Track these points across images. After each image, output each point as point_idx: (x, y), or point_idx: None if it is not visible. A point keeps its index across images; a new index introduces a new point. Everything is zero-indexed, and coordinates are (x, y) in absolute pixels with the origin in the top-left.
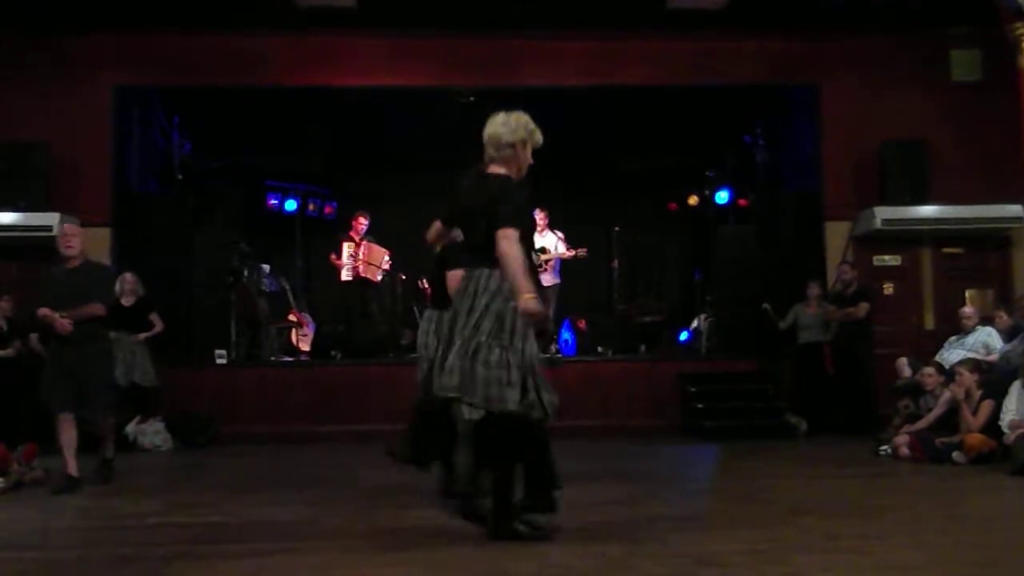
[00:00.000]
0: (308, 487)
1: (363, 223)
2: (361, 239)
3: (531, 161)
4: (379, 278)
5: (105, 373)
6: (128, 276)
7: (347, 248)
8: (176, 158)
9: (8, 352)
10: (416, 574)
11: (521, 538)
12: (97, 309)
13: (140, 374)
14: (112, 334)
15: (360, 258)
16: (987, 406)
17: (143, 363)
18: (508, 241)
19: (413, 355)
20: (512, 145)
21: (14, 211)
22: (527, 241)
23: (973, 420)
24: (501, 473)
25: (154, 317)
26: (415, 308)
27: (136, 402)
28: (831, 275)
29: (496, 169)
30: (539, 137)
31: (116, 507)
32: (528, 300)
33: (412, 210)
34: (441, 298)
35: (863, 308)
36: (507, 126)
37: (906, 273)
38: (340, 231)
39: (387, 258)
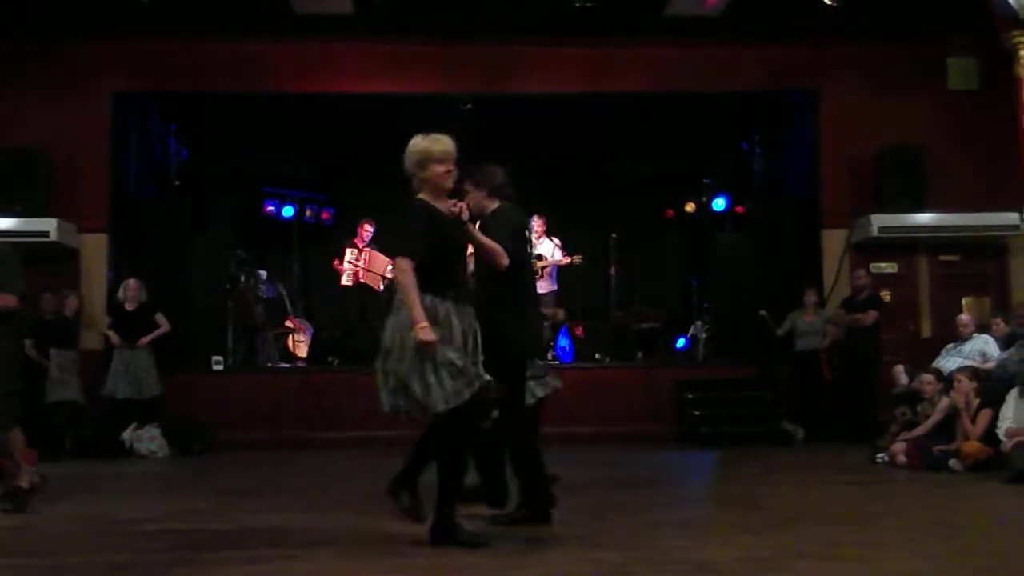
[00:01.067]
0: (305, 493)
1: (368, 230)
2: (365, 245)
3: (442, 172)
4: (381, 287)
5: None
6: (132, 282)
7: (349, 253)
8: (173, 164)
9: None
10: None
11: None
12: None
13: (147, 387)
14: (116, 343)
15: (361, 264)
16: (985, 415)
17: (149, 373)
18: (397, 270)
19: None
20: (412, 174)
21: (11, 216)
22: (450, 259)
23: (971, 429)
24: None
25: (159, 318)
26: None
27: (136, 411)
28: (828, 282)
29: (417, 197)
30: (439, 147)
31: (114, 513)
32: (419, 331)
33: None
34: None
35: (871, 316)
36: (406, 157)
37: (903, 281)
38: (340, 238)
39: (390, 267)
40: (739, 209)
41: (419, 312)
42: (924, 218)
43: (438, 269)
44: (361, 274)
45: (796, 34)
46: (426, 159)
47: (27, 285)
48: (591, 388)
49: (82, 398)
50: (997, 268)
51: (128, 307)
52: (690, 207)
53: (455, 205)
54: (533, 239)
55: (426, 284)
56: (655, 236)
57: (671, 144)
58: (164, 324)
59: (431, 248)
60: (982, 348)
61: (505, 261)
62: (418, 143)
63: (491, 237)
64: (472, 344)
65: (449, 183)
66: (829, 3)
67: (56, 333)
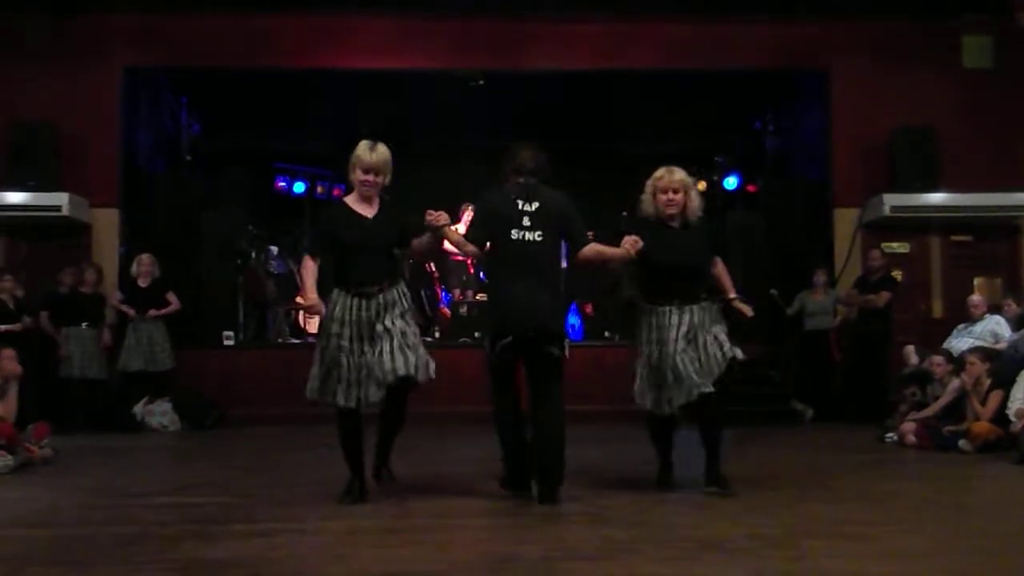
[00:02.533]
0: (315, 468)
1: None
2: None
3: (357, 180)
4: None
5: None
6: (145, 257)
7: None
8: (184, 139)
9: (15, 327)
10: (423, 555)
11: None
12: None
13: (160, 361)
14: (132, 317)
15: None
16: (996, 396)
17: (163, 347)
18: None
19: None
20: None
21: (23, 191)
22: (342, 258)
23: (982, 411)
24: None
25: (171, 296)
26: (423, 292)
27: (149, 384)
28: (839, 262)
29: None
30: (356, 160)
31: (124, 486)
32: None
33: (419, 192)
34: None
35: (883, 297)
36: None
37: (914, 261)
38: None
39: None
40: (751, 188)
41: (305, 286)
42: (936, 198)
43: (337, 266)
44: None
45: (808, 12)
46: (353, 164)
47: (39, 259)
48: (600, 367)
49: (105, 375)
50: (1009, 249)
51: (141, 283)
52: (701, 186)
53: (431, 214)
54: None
55: (334, 279)
56: None
57: (683, 122)
58: (175, 302)
59: (327, 248)
60: (993, 328)
61: (469, 249)
62: (359, 146)
63: None
64: (383, 331)
65: (368, 191)
66: None
67: (77, 308)
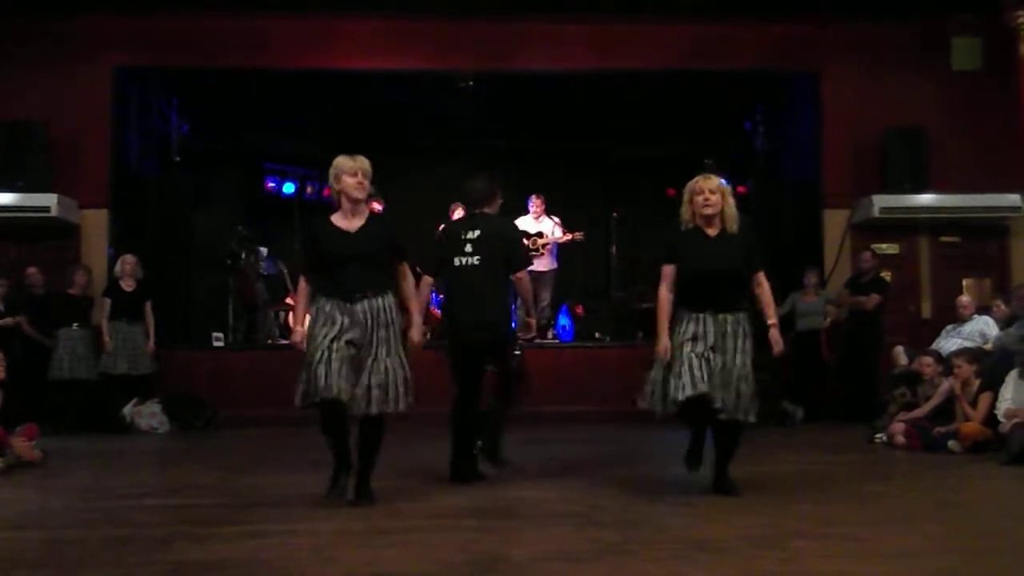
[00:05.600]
0: (305, 470)
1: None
2: None
3: (345, 185)
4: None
5: None
6: (128, 258)
7: None
8: (174, 140)
9: (8, 321)
10: (412, 556)
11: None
12: None
13: (142, 364)
14: (110, 323)
15: None
16: (986, 398)
17: (144, 351)
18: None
19: None
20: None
21: (12, 192)
22: (331, 268)
23: (972, 412)
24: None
25: (147, 308)
26: None
27: (132, 387)
28: (828, 263)
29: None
30: (339, 169)
31: (114, 488)
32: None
33: (411, 193)
34: None
35: (873, 300)
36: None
37: (904, 261)
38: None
39: None
40: (740, 189)
41: (296, 316)
42: (926, 199)
43: (323, 276)
44: None
45: (798, 13)
46: (337, 182)
47: (28, 261)
48: (591, 367)
49: (94, 376)
50: (998, 250)
51: (125, 286)
52: None
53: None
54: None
55: (320, 289)
56: (656, 215)
57: (673, 123)
58: (149, 316)
59: (315, 258)
60: (982, 329)
61: (425, 280)
62: (338, 158)
63: None
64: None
65: (358, 193)
66: None
67: (65, 311)
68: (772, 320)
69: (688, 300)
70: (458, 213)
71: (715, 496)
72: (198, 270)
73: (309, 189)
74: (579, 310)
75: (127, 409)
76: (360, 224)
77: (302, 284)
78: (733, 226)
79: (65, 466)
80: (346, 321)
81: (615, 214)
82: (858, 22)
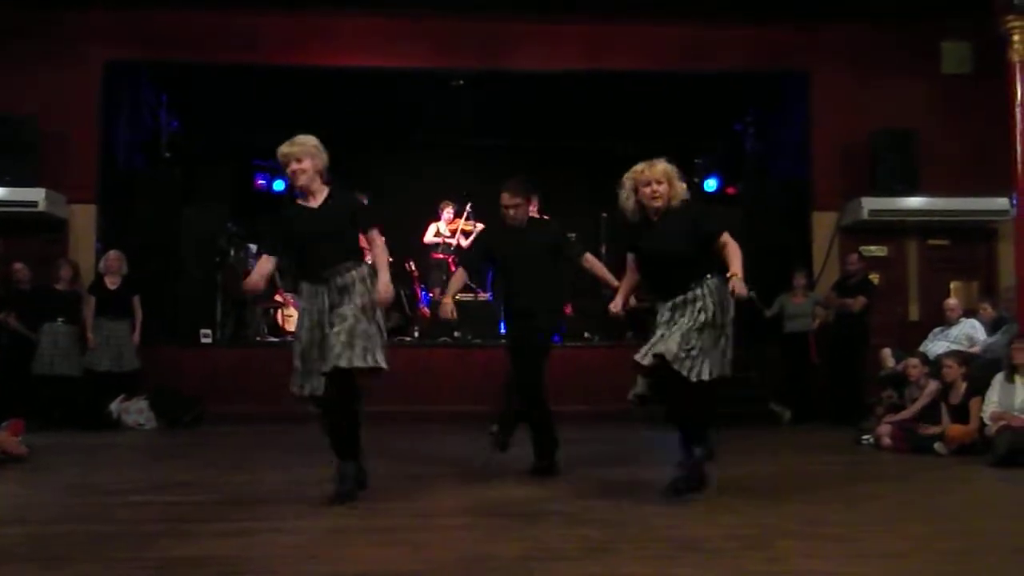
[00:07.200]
0: (293, 467)
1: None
2: None
3: (289, 174)
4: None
5: None
6: (113, 254)
7: None
8: (164, 136)
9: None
10: (400, 555)
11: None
12: None
13: (127, 361)
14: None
15: None
16: (976, 403)
17: (129, 347)
18: None
19: (399, 337)
20: None
21: (0, 186)
22: (299, 251)
23: (963, 426)
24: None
25: (135, 302)
26: (402, 291)
27: (116, 384)
28: (817, 265)
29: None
30: (280, 156)
31: (100, 484)
32: None
33: (401, 191)
34: None
35: (859, 302)
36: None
37: (892, 264)
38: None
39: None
40: (730, 190)
41: (254, 273)
42: (915, 202)
43: (296, 260)
44: None
45: (789, 15)
46: (281, 164)
47: (15, 256)
48: (580, 367)
49: (79, 372)
50: (986, 253)
51: (109, 283)
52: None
53: None
54: None
55: (297, 271)
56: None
57: (664, 124)
58: (138, 312)
59: (282, 244)
60: (969, 332)
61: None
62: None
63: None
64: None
65: (301, 180)
66: None
67: (49, 305)
68: (734, 270)
69: (652, 289)
70: (448, 212)
71: (703, 496)
72: (187, 266)
73: None
74: (568, 310)
75: (114, 405)
76: (321, 200)
77: (263, 259)
78: (676, 203)
79: (51, 462)
80: (323, 308)
81: (605, 214)
82: (848, 25)
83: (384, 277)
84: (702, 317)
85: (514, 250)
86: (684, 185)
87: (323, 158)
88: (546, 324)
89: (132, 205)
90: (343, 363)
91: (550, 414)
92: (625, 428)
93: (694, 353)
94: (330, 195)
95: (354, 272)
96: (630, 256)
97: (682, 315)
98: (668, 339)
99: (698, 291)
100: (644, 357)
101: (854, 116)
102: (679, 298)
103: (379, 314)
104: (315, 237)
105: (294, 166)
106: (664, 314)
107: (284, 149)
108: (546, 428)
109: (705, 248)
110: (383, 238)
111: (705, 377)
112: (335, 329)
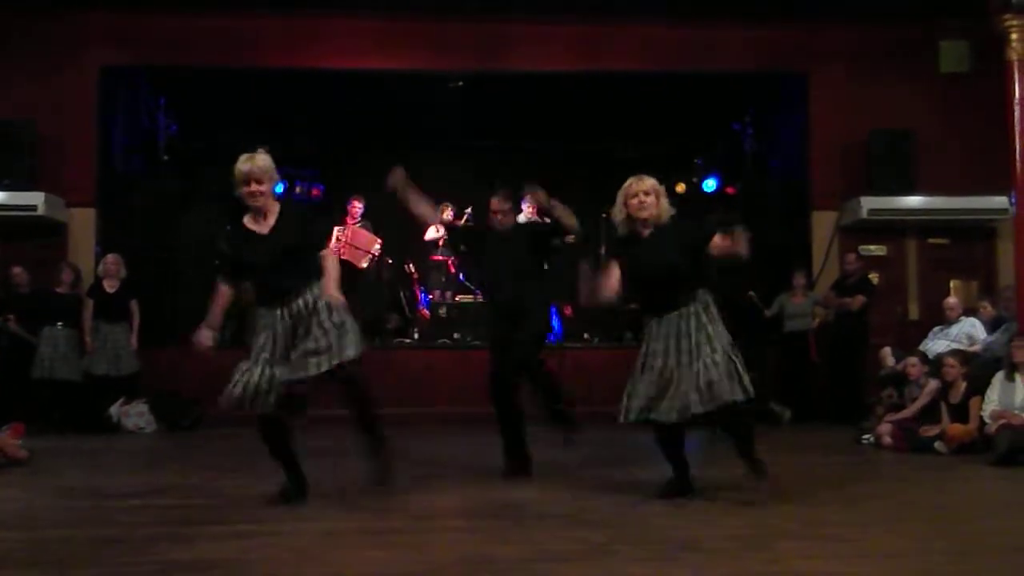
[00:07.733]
0: None
1: (357, 207)
2: (355, 223)
3: (244, 194)
4: (364, 264)
5: None
6: (111, 258)
7: (336, 231)
8: (162, 139)
9: None
10: (398, 557)
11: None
12: None
13: (125, 364)
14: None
15: (343, 241)
16: (976, 403)
17: (127, 351)
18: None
19: (399, 339)
20: None
21: None
22: (248, 275)
23: (963, 425)
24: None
25: (133, 305)
26: (401, 293)
27: (115, 388)
28: (816, 264)
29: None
30: (237, 173)
31: (100, 488)
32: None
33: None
34: None
35: (858, 301)
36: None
37: (891, 263)
38: (332, 214)
39: (377, 246)
40: (729, 190)
41: (210, 315)
42: (913, 201)
43: (254, 285)
44: (344, 251)
45: (787, 16)
46: (236, 180)
47: (15, 260)
48: (579, 368)
49: (79, 375)
50: (985, 252)
51: (107, 287)
52: (680, 188)
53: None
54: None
55: (256, 294)
56: None
57: (662, 124)
58: (135, 313)
59: (234, 273)
60: (969, 331)
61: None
62: (238, 160)
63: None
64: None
65: (256, 202)
66: None
67: (50, 309)
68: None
69: (642, 305)
70: (447, 214)
71: (701, 497)
72: (186, 269)
73: (298, 189)
74: (567, 311)
75: (114, 409)
76: (272, 223)
77: (220, 288)
78: (664, 220)
79: (51, 465)
80: (286, 331)
81: (604, 215)
82: (847, 25)
83: (330, 287)
84: (712, 347)
85: (498, 249)
86: (670, 208)
87: (276, 179)
88: (534, 327)
89: (130, 209)
90: (335, 361)
91: (549, 373)
92: (625, 429)
93: (718, 390)
94: (280, 215)
95: (309, 295)
96: (613, 263)
97: (678, 351)
98: (672, 394)
99: (690, 307)
100: (624, 415)
101: (853, 116)
102: (672, 313)
103: (344, 313)
104: (267, 266)
105: (253, 187)
106: (656, 345)
107: (243, 167)
108: (547, 379)
109: (697, 259)
110: (335, 256)
111: (739, 396)
112: (308, 347)
